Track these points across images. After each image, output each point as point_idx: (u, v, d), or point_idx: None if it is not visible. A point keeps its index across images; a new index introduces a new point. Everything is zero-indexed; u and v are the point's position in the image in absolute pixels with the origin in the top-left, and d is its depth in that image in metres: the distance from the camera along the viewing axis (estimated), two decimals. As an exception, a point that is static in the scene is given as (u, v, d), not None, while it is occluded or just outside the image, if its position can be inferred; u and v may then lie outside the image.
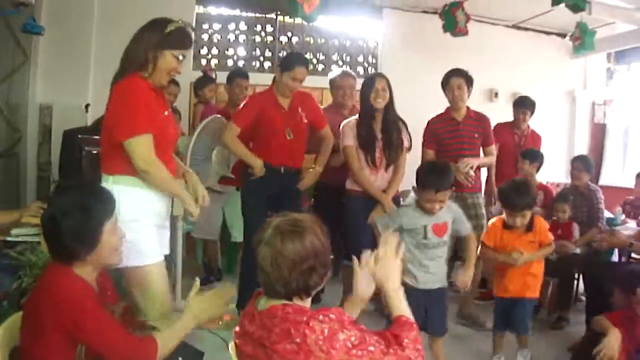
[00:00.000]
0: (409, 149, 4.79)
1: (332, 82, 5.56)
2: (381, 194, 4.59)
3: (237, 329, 2.13)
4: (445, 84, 5.07)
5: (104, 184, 2.94)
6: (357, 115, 4.76)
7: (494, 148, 5.22)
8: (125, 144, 2.87)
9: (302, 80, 4.66)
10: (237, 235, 5.69)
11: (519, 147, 5.95)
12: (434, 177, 3.66)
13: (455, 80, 5.01)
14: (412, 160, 4.78)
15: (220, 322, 2.72)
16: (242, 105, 4.78)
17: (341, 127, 4.76)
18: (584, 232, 5.35)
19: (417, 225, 3.72)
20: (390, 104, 4.60)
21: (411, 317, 2.14)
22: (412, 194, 3.87)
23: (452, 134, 5.04)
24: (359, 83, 4.97)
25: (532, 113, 6.09)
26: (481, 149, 5.17)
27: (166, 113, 3.12)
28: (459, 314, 5.23)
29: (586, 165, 5.60)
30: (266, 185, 4.61)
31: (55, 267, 2.28)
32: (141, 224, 2.99)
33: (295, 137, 4.72)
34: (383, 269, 2.21)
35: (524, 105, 6.09)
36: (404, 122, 4.73)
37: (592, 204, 5.43)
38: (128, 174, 2.97)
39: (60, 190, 2.41)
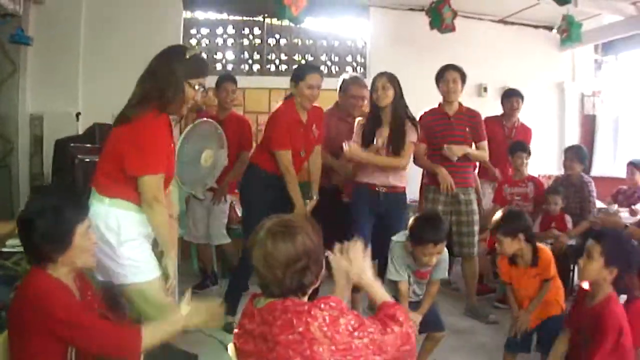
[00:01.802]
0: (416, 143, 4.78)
1: (344, 86, 5.44)
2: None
3: (236, 330, 2.15)
4: (440, 77, 5.13)
5: (97, 204, 2.99)
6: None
7: (485, 144, 5.22)
8: (141, 179, 2.94)
9: (319, 86, 4.64)
10: (216, 240, 5.90)
11: (508, 139, 5.99)
12: (431, 230, 3.65)
13: (451, 73, 5.08)
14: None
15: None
16: (277, 126, 4.64)
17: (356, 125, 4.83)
18: (576, 224, 5.38)
19: (402, 264, 3.82)
20: (396, 101, 4.62)
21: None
22: (399, 244, 3.87)
23: (443, 127, 5.10)
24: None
25: (522, 100, 6.21)
26: (473, 145, 5.20)
27: (172, 145, 3.19)
28: (466, 308, 5.34)
29: (579, 155, 5.62)
30: (272, 198, 4.57)
31: (32, 271, 2.33)
32: (138, 242, 3.06)
33: (305, 155, 4.79)
34: (356, 266, 2.28)
35: (513, 94, 6.14)
36: (412, 118, 4.74)
37: (584, 196, 5.46)
38: (127, 199, 3.02)
39: (36, 194, 2.47)
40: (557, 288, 3.86)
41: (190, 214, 5.85)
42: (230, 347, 2.20)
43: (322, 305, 1.97)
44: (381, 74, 4.66)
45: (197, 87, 3.07)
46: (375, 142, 4.58)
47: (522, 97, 6.23)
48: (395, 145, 4.61)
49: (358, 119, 4.86)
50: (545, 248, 3.93)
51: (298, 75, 4.66)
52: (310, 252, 2.05)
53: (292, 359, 1.89)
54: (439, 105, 5.21)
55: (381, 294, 2.28)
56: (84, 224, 2.36)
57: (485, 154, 5.27)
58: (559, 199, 5.36)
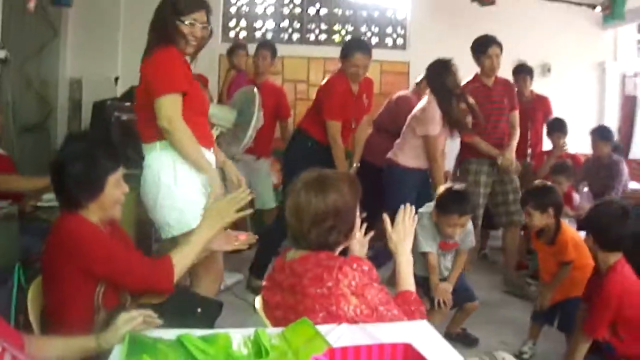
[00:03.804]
0: None
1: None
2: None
3: (264, 282, 2.17)
4: (482, 51, 5.14)
5: (149, 152, 3.04)
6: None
7: (517, 114, 5.30)
8: (157, 101, 2.91)
9: (365, 66, 4.68)
10: (261, 203, 5.63)
11: (526, 113, 5.93)
12: (457, 201, 3.70)
13: (494, 49, 5.11)
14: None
15: (236, 242, 2.75)
16: (330, 96, 4.69)
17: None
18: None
19: (429, 236, 3.81)
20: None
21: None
22: (425, 212, 3.86)
23: (484, 99, 5.12)
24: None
25: (531, 78, 6.21)
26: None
27: (191, 73, 3.17)
28: (504, 280, 5.34)
29: (603, 134, 5.60)
30: (316, 165, 4.51)
31: (63, 215, 2.34)
32: (194, 184, 3.06)
33: (356, 125, 4.84)
34: (399, 232, 2.32)
35: (522, 71, 6.14)
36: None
37: (612, 175, 5.41)
38: None
39: (70, 140, 2.46)
40: (584, 270, 3.66)
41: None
42: (258, 300, 2.22)
43: (355, 265, 1.98)
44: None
45: (189, 22, 3.03)
46: None
47: (529, 74, 6.22)
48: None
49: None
50: (568, 229, 3.87)
51: (345, 53, 4.71)
52: (340, 211, 2.05)
53: (317, 312, 1.90)
54: (476, 76, 5.23)
55: (408, 277, 2.29)
56: (116, 174, 2.35)
57: (516, 132, 5.29)
58: (563, 179, 5.29)
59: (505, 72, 5.29)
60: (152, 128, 3.00)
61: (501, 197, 5.21)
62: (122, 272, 2.26)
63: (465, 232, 3.87)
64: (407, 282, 2.26)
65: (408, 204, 2.41)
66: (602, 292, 2.98)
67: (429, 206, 3.85)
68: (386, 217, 2.35)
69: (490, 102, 5.14)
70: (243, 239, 2.76)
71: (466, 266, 4.17)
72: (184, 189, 3.02)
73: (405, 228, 2.34)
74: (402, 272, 2.28)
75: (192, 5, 3.06)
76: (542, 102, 6.28)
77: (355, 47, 4.75)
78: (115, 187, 2.35)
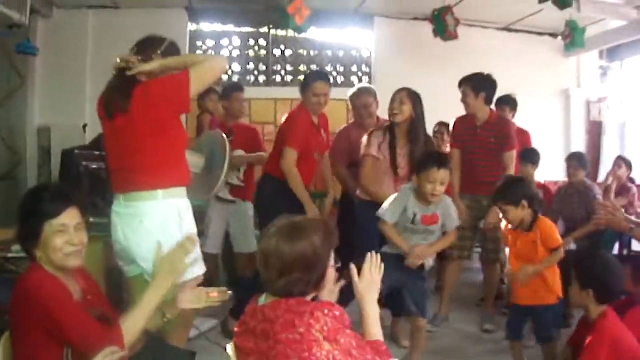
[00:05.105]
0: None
1: (352, 101, 5.56)
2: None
3: (236, 328, 2.15)
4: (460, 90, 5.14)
5: (148, 202, 2.95)
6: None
7: (513, 154, 5.12)
8: None
9: (325, 94, 4.70)
10: (242, 247, 5.55)
11: None
12: (435, 156, 3.84)
13: (462, 88, 5.09)
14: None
15: (207, 300, 2.62)
16: (290, 126, 4.69)
17: (366, 135, 4.73)
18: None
19: (408, 210, 3.81)
20: (416, 119, 4.54)
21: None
22: (408, 185, 3.92)
23: (470, 137, 5.13)
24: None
25: (512, 109, 6.11)
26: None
27: None
28: (482, 316, 5.27)
29: (581, 162, 5.62)
30: (287, 205, 4.36)
31: (28, 267, 2.32)
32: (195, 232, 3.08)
33: (319, 158, 4.85)
34: (366, 283, 2.30)
35: (504, 102, 6.11)
36: (429, 137, 4.75)
37: (589, 200, 5.44)
38: (179, 184, 3.07)
39: (28, 194, 2.44)
40: (555, 276, 3.87)
41: (211, 221, 5.55)
42: (230, 346, 2.19)
43: (326, 311, 1.96)
44: (402, 89, 4.60)
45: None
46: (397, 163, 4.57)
47: (510, 106, 6.11)
48: (417, 164, 4.41)
49: (371, 130, 4.78)
50: (546, 219, 3.96)
51: (305, 84, 4.76)
52: (309, 261, 2.02)
53: (290, 358, 1.89)
54: (467, 114, 5.18)
55: (376, 327, 2.26)
56: (57, 220, 2.27)
57: (511, 163, 5.09)
58: None
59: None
60: (156, 175, 2.96)
61: (481, 234, 5.18)
62: (74, 332, 2.16)
63: (446, 204, 3.91)
64: (375, 332, 2.24)
65: (374, 253, 2.39)
66: (595, 335, 2.99)
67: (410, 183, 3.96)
68: (353, 267, 2.33)
69: (477, 142, 5.09)
70: (215, 296, 2.65)
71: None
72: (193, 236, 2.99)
73: (373, 278, 2.32)
74: (369, 323, 2.26)
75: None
76: (522, 136, 6.24)
77: (314, 77, 4.83)
78: (55, 235, 2.26)
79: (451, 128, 5.37)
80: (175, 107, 2.99)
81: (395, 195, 3.93)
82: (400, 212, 3.84)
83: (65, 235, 2.29)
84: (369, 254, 2.38)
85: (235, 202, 5.41)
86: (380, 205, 4.03)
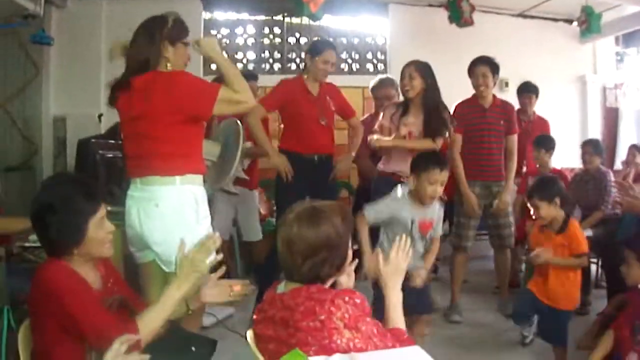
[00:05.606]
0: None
1: (373, 93, 5.66)
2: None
3: (255, 316, 2.15)
4: (471, 72, 5.11)
5: (166, 187, 2.97)
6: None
7: (515, 138, 5.18)
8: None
9: (333, 63, 4.75)
10: (250, 235, 5.54)
11: (526, 133, 5.94)
12: (436, 157, 3.72)
13: (480, 68, 5.05)
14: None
15: (231, 293, 2.62)
16: (272, 89, 4.88)
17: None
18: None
19: (406, 216, 3.66)
20: (426, 90, 4.52)
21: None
22: (402, 187, 3.80)
23: (479, 120, 5.09)
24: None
25: (536, 97, 6.16)
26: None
27: None
28: (499, 304, 5.32)
29: (597, 148, 5.59)
30: (300, 178, 4.62)
31: (46, 261, 2.30)
32: (208, 220, 3.15)
33: (327, 123, 4.81)
34: (391, 268, 2.31)
35: (527, 90, 6.14)
36: (446, 109, 4.65)
37: (602, 187, 5.41)
38: (196, 172, 3.08)
39: (46, 186, 2.41)
40: (576, 284, 3.88)
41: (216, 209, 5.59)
42: (249, 334, 2.19)
43: (347, 298, 1.96)
44: (409, 63, 4.58)
45: (181, 47, 3.11)
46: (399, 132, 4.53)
47: (536, 92, 6.20)
48: (431, 130, 4.48)
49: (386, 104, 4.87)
50: (577, 223, 3.97)
51: (315, 50, 4.76)
52: (333, 243, 2.03)
53: (310, 346, 1.88)
54: (473, 96, 5.17)
55: (398, 313, 2.26)
56: (97, 215, 2.28)
57: (513, 147, 5.16)
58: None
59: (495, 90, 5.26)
60: (174, 162, 2.98)
61: (491, 220, 5.15)
62: (86, 324, 2.13)
63: (439, 209, 3.82)
64: (397, 318, 2.24)
65: (404, 236, 2.39)
66: None
67: (406, 185, 3.78)
68: (379, 251, 2.33)
69: (485, 124, 5.07)
70: (238, 289, 2.64)
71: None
72: (203, 228, 3.01)
73: (398, 262, 2.32)
74: (392, 308, 2.26)
75: (187, 29, 3.21)
76: (541, 124, 6.23)
77: (326, 44, 4.87)
78: (98, 228, 2.28)
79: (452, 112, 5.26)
80: (196, 112, 3.02)
81: (390, 197, 3.76)
82: (384, 218, 3.70)
83: (104, 226, 2.33)
84: (397, 237, 2.37)
85: (238, 195, 5.38)
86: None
